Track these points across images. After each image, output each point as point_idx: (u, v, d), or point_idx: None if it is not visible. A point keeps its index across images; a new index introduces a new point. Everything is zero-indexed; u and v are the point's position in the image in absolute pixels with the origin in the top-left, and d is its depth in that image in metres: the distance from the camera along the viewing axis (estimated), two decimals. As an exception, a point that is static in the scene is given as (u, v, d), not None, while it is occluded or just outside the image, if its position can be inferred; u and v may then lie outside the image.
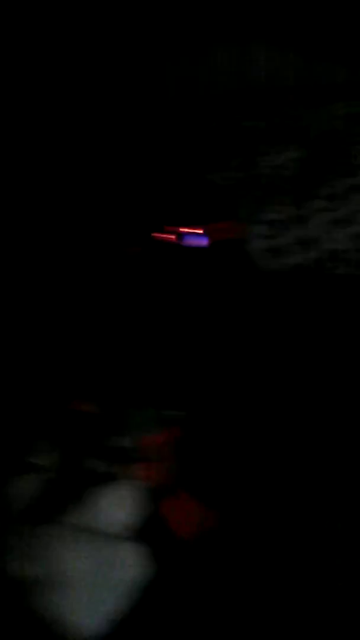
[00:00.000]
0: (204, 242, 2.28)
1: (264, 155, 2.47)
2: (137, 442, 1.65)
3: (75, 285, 2.12)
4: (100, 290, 2.08)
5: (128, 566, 1.33)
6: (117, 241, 2.29)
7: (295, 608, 1.31)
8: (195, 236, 2.29)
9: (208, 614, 1.34)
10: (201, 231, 2.28)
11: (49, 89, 2.50)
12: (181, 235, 2.31)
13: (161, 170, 2.53)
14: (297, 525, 1.45)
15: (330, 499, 1.49)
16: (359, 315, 1.95)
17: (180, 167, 2.56)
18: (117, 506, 1.44)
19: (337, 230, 2.15)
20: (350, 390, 1.75)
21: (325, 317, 1.97)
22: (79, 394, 1.73)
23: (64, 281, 2.14)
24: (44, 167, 2.54)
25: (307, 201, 2.27)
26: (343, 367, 1.81)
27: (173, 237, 2.31)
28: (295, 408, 1.71)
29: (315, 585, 1.35)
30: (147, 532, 1.46)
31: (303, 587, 1.35)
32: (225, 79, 2.57)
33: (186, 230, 2.31)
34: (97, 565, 1.30)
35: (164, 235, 2.30)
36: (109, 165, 2.56)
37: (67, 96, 2.67)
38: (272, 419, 1.69)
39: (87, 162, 2.57)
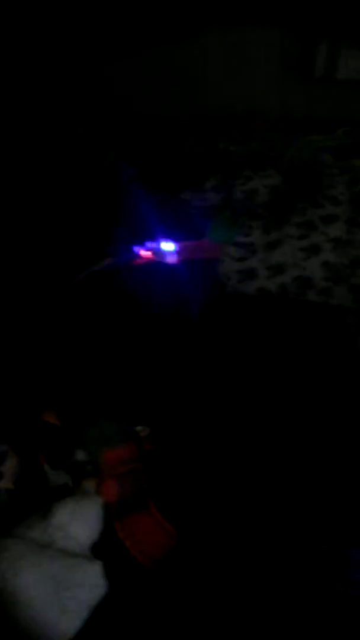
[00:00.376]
0: (174, 259, 2.28)
1: (238, 178, 2.51)
2: (99, 457, 1.61)
3: (49, 293, 2.08)
4: (72, 298, 2.05)
5: (84, 585, 1.28)
6: (93, 252, 2.26)
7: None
8: (167, 253, 2.29)
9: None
10: (173, 248, 2.29)
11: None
12: (152, 251, 2.31)
13: (137, 184, 2.54)
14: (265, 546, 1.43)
15: (302, 520, 1.49)
16: (319, 339, 1.98)
17: (155, 184, 2.57)
18: (76, 522, 1.39)
19: (306, 258, 2.19)
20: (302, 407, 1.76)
21: (289, 340, 1.99)
22: (45, 405, 1.68)
23: (41, 289, 2.09)
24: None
25: (278, 227, 2.31)
26: (299, 383, 1.82)
27: (143, 251, 2.31)
28: (260, 423, 1.71)
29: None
30: (104, 551, 1.42)
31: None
32: (205, 99, 2.61)
33: (157, 245, 2.32)
34: (52, 582, 1.25)
35: (134, 249, 2.30)
36: (85, 178, 2.55)
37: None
38: (236, 435, 1.68)
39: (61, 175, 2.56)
